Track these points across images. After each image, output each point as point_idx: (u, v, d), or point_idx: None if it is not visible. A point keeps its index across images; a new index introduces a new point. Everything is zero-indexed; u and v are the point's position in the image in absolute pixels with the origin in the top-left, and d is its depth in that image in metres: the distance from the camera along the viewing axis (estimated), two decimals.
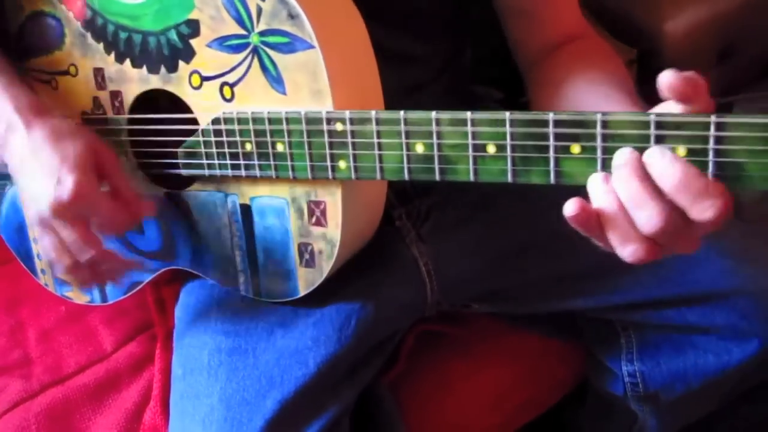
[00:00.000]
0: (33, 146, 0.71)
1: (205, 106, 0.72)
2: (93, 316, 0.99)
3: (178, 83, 0.73)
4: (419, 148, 0.61)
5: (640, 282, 0.85)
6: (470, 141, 0.59)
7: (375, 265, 0.83)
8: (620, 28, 1.12)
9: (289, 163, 0.68)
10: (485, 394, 0.97)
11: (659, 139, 0.53)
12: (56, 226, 0.70)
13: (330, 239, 0.71)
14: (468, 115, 0.58)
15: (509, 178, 0.59)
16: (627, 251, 0.56)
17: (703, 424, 0.97)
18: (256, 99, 0.69)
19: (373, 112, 0.62)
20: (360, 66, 0.69)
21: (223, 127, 0.70)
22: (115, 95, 0.79)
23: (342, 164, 0.66)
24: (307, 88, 0.66)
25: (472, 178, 0.60)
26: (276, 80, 0.67)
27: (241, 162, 0.71)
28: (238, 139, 0.70)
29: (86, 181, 0.69)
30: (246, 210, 0.75)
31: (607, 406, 0.99)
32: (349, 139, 0.64)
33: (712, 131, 0.51)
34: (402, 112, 0.61)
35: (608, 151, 0.55)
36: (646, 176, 0.53)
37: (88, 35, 0.78)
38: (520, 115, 0.57)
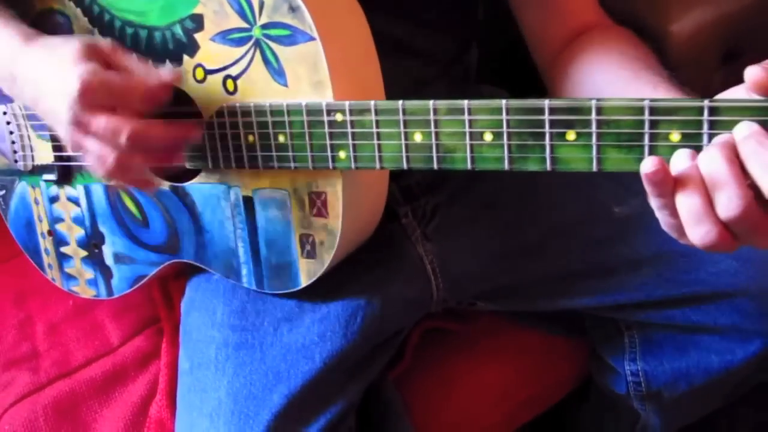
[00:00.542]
0: (39, 57, 0.71)
1: (209, 99, 0.73)
2: (100, 311, 1.00)
3: (183, 77, 0.74)
4: (417, 137, 0.62)
5: (644, 281, 0.85)
6: (467, 129, 0.60)
7: (381, 262, 0.83)
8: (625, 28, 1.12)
9: (290, 153, 0.69)
10: (489, 390, 0.97)
11: (653, 125, 0.53)
12: (88, 123, 0.67)
13: (331, 230, 0.72)
14: (465, 103, 0.59)
15: (506, 166, 0.59)
16: (699, 232, 0.52)
17: (706, 422, 0.96)
18: (258, 91, 0.70)
19: (372, 103, 0.63)
20: (360, 57, 0.69)
21: (226, 119, 0.71)
22: None
23: (342, 154, 0.66)
24: (307, 79, 0.67)
25: (469, 165, 0.61)
26: (278, 72, 0.68)
27: (244, 154, 0.72)
28: (241, 131, 0.71)
29: (91, 67, 0.66)
30: (248, 202, 0.76)
31: (610, 403, 0.99)
32: (349, 129, 0.65)
33: (705, 116, 0.52)
34: (400, 102, 0.62)
35: (603, 138, 0.55)
36: (734, 158, 0.50)
37: (96, 31, 0.79)
38: (516, 103, 0.58)
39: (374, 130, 0.64)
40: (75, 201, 0.88)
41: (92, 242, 0.90)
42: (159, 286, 0.98)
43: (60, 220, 0.91)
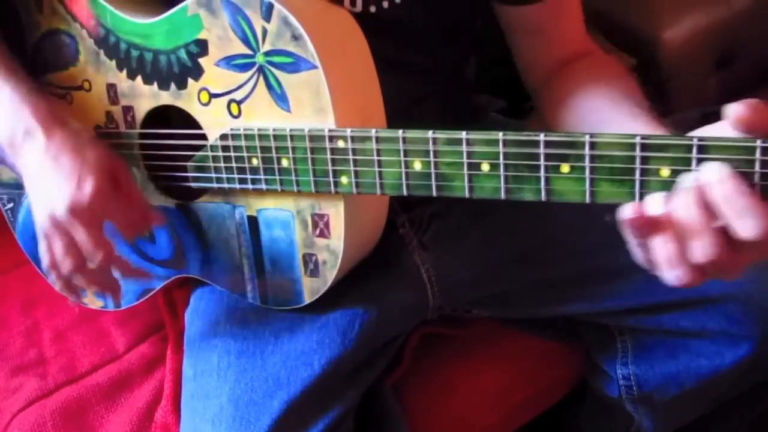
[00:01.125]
0: (53, 151, 0.74)
1: (214, 121, 0.74)
2: (106, 318, 1.02)
3: (188, 99, 0.76)
4: (417, 166, 0.64)
5: (635, 288, 0.87)
6: (465, 159, 0.62)
7: (379, 271, 0.85)
8: (619, 36, 1.13)
9: (293, 177, 0.71)
10: (486, 393, 0.99)
11: (644, 161, 0.55)
12: (69, 228, 0.72)
13: (333, 250, 0.74)
14: (463, 134, 0.61)
15: (502, 195, 0.61)
16: (673, 274, 0.55)
17: (698, 425, 0.99)
18: (262, 115, 0.71)
19: (373, 131, 0.65)
20: (361, 84, 0.71)
21: (230, 142, 0.73)
22: (128, 110, 0.81)
23: (344, 179, 0.68)
24: (310, 105, 0.68)
25: (467, 194, 0.63)
26: (281, 98, 0.70)
27: (248, 176, 0.73)
28: (245, 154, 0.73)
29: (106, 182, 0.72)
30: (253, 221, 0.78)
31: (605, 406, 1.00)
32: (351, 156, 0.67)
33: (695, 153, 0.54)
34: (401, 131, 0.64)
35: (596, 171, 0.57)
36: (706, 204, 0.52)
37: (101, 52, 0.81)
38: (512, 136, 0.59)
39: (375, 157, 0.66)
40: None
41: None
42: (163, 294, 0.99)
43: None
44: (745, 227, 0.51)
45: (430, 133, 0.63)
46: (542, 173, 0.59)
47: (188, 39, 0.74)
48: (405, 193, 0.66)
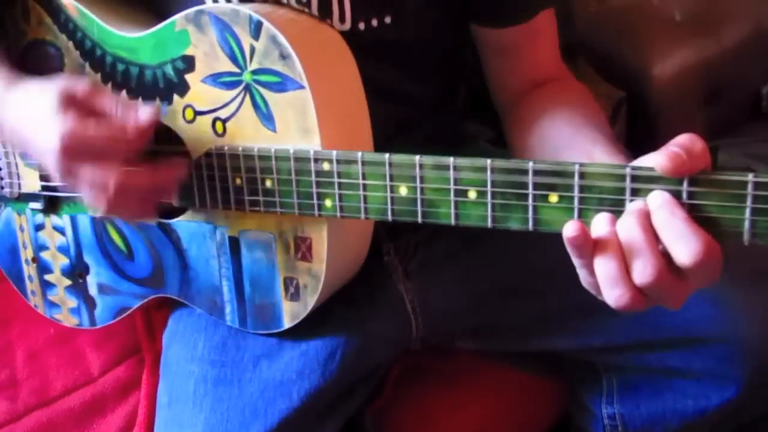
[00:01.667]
0: (16, 113, 0.72)
1: (198, 139, 0.73)
2: (82, 339, 0.99)
3: (173, 116, 0.75)
4: (403, 191, 0.63)
5: (621, 325, 0.86)
6: (452, 186, 0.61)
7: (362, 299, 0.84)
8: (609, 70, 1.14)
9: (277, 199, 0.69)
10: (468, 428, 0.97)
11: (634, 192, 0.55)
12: (76, 174, 0.68)
13: (315, 274, 0.72)
14: (451, 160, 0.60)
15: (489, 223, 0.60)
16: (614, 294, 0.55)
17: None
18: (247, 135, 0.70)
19: (359, 154, 0.64)
20: (349, 106, 0.70)
21: (214, 161, 0.72)
22: None
23: (328, 202, 0.67)
24: (296, 126, 0.67)
25: (453, 221, 0.62)
26: (266, 117, 0.69)
27: (231, 196, 0.72)
28: (229, 173, 0.72)
29: (69, 122, 0.66)
30: (234, 242, 0.76)
31: None
32: (336, 179, 0.66)
33: (685, 186, 0.53)
34: (387, 155, 0.63)
35: (584, 202, 0.56)
36: (649, 226, 0.53)
37: (87, 65, 0.80)
38: (500, 163, 0.58)
39: (360, 181, 0.65)
40: (61, 230, 0.89)
41: (77, 271, 0.90)
42: (142, 316, 0.98)
43: (45, 248, 0.91)
44: (679, 251, 0.52)
45: (417, 158, 0.62)
46: (530, 202, 0.58)
47: (175, 54, 0.73)
48: (390, 218, 0.65)
